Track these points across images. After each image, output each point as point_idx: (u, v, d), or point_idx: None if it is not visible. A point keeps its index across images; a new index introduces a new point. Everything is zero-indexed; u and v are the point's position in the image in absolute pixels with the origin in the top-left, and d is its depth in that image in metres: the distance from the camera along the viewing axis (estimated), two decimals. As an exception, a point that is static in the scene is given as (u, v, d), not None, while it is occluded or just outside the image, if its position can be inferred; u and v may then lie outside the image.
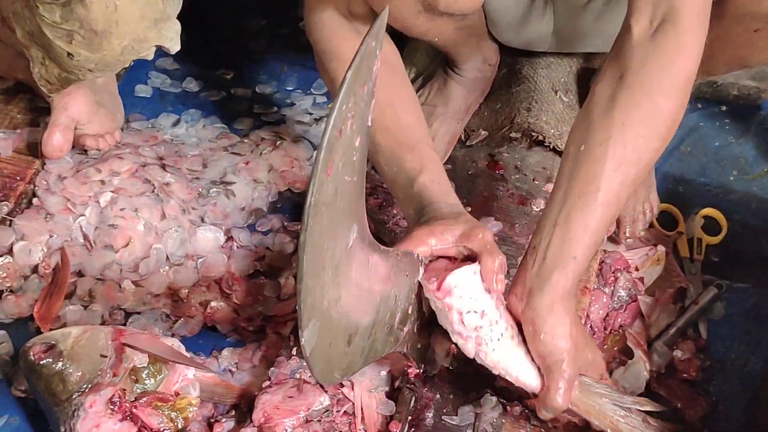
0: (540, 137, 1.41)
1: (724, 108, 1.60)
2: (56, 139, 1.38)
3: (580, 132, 1.00)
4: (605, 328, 1.26)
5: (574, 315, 0.99)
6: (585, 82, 1.50)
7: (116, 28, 1.16)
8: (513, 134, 1.42)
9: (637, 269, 1.33)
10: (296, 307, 1.25)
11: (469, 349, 0.99)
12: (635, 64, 0.97)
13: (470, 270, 0.97)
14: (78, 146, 1.44)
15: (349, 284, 0.81)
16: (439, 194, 1.07)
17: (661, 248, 1.36)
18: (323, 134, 0.68)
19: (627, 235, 1.34)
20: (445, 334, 1.02)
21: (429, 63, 1.56)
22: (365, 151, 0.79)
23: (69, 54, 1.19)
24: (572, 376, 0.97)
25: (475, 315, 0.97)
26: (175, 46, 1.23)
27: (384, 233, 1.30)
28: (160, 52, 1.26)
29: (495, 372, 1.01)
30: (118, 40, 1.17)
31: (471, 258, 1.00)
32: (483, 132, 1.46)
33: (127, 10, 1.15)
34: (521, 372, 0.99)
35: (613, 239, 1.34)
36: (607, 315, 1.26)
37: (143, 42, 1.19)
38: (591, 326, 1.24)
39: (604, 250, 1.32)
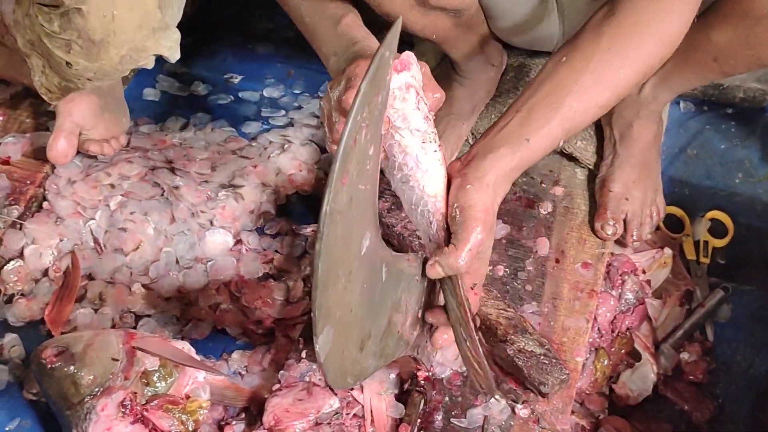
0: (547, 140, 1.41)
1: (729, 110, 1.60)
2: (61, 145, 1.38)
3: (564, 50, 1.00)
4: (612, 331, 1.27)
5: (498, 202, 0.95)
6: (592, 86, 1.50)
7: (114, 37, 1.15)
8: (520, 137, 1.42)
9: (644, 272, 1.33)
10: (310, 313, 1.27)
11: (413, 145, 0.93)
12: (629, 9, 0.98)
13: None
14: (83, 151, 1.44)
15: (362, 291, 0.82)
16: (365, 35, 1.07)
17: (667, 251, 1.37)
18: (338, 144, 0.69)
19: (634, 238, 1.33)
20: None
21: (435, 66, 1.56)
22: (378, 159, 0.79)
23: (68, 63, 1.19)
24: (481, 243, 0.91)
25: (426, 106, 0.94)
26: (174, 54, 1.23)
27: (392, 236, 1.31)
28: (168, 55, 1.26)
29: (410, 185, 0.94)
30: (116, 49, 1.17)
31: None
32: (490, 135, 1.46)
33: (124, 19, 1.15)
34: (438, 192, 0.93)
35: (620, 242, 1.34)
36: (615, 318, 1.27)
37: (141, 51, 1.19)
38: (599, 329, 1.25)
39: (612, 253, 1.33)
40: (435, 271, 0.92)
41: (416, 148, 0.93)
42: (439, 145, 0.95)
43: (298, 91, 1.68)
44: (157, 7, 1.17)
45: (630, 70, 0.98)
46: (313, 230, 1.41)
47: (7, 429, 1.18)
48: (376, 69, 0.71)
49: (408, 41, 1.52)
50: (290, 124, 1.60)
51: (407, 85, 0.92)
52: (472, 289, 0.97)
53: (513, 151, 0.94)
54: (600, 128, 1.42)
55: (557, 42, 1.40)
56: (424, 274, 0.99)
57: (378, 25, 1.18)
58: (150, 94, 1.66)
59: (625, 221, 1.34)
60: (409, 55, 0.93)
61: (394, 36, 0.74)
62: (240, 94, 1.67)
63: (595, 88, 0.97)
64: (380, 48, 0.71)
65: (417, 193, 0.94)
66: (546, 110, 0.96)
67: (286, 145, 1.52)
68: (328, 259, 0.72)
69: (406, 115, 0.92)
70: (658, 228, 1.40)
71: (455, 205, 0.92)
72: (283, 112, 1.63)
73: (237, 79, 1.71)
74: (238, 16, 1.81)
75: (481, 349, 0.95)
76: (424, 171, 0.93)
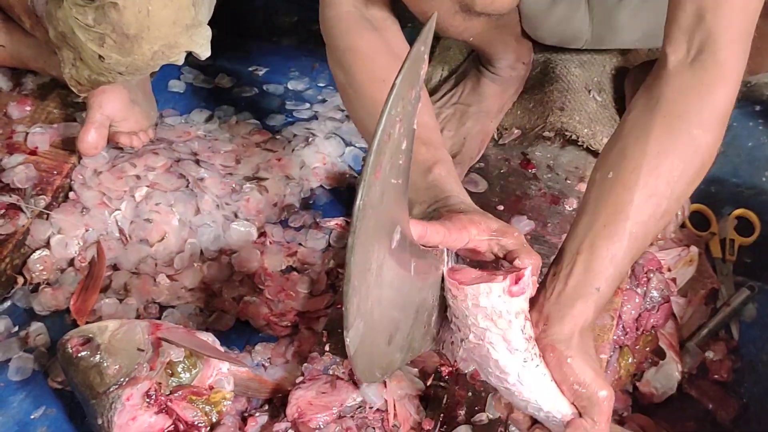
0: (573, 137, 1.41)
1: (757, 108, 1.58)
2: (91, 137, 1.39)
3: (610, 158, 0.94)
4: (637, 329, 1.26)
5: (592, 349, 0.92)
6: (619, 82, 1.50)
7: (148, 32, 1.16)
8: (546, 133, 1.42)
9: (669, 270, 1.33)
10: (334, 306, 1.27)
11: (512, 364, 0.89)
12: (672, 93, 0.92)
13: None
14: (112, 143, 1.45)
15: (391, 284, 0.81)
16: (457, 189, 1.01)
17: (693, 249, 1.36)
18: (372, 138, 0.69)
19: (659, 236, 1.33)
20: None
21: (462, 61, 1.56)
22: (410, 153, 0.79)
23: (100, 57, 1.20)
24: (611, 401, 0.89)
25: (530, 328, 0.89)
26: (205, 52, 1.23)
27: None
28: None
29: (519, 399, 0.91)
30: (149, 44, 1.18)
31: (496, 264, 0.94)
32: (516, 131, 1.46)
33: (159, 15, 1.16)
34: (557, 401, 0.90)
35: (646, 239, 1.34)
36: (640, 315, 1.26)
37: (174, 47, 1.20)
38: (623, 326, 1.25)
39: (637, 251, 1.32)
40: None
41: (516, 367, 0.89)
42: (541, 358, 0.90)
43: (323, 84, 1.68)
44: (191, 5, 1.18)
45: (685, 167, 0.91)
46: (337, 223, 1.42)
47: (32, 417, 1.19)
48: (411, 64, 0.71)
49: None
50: (314, 117, 1.60)
51: (519, 310, 0.87)
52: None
53: (587, 305, 0.89)
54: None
55: (586, 38, 1.40)
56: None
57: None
58: (175, 86, 1.66)
59: (651, 218, 1.33)
60: (528, 278, 0.86)
61: (429, 31, 0.74)
62: (264, 87, 1.68)
63: (652, 202, 0.90)
64: (415, 43, 0.71)
65: (533, 404, 0.90)
66: (609, 245, 0.89)
67: (310, 138, 1.53)
68: (360, 253, 0.72)
69: (507, 337, 0.87)
70: (683, 225, 1.40)
71: (572, 384, 0.89)
72: (307, 104, 1.63)
73: (261, 72, 1.71)
74: (262, 8, 1.81)
75: None
76: (531, 388, 0.90)
